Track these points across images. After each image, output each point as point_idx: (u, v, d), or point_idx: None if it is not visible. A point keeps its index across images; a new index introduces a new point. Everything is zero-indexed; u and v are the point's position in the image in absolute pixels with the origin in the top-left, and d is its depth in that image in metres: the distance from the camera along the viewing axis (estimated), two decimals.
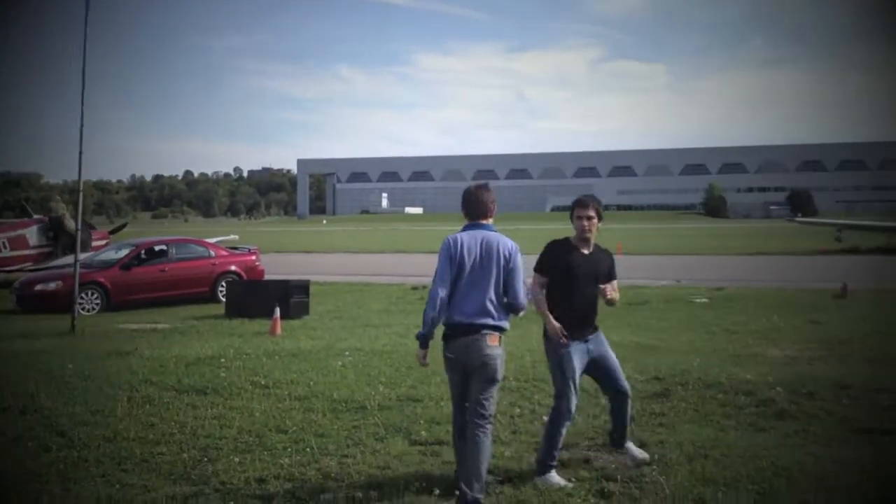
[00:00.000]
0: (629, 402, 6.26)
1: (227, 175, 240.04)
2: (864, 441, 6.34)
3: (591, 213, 5.96)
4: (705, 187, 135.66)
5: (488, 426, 5.46)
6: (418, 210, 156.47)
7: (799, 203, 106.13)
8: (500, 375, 5.56)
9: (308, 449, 6.45)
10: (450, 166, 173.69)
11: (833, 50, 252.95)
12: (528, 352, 10.43)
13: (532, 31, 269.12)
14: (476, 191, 5.73)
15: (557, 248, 6.06)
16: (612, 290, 6.16)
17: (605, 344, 6.20)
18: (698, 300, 16.83)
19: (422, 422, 7.17)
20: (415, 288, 20.24)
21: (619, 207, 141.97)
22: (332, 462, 6.14)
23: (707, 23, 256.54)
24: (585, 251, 6.02)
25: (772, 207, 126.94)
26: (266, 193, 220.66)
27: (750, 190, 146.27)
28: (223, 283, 19.19)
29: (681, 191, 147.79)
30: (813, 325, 13.47)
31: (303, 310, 16.00)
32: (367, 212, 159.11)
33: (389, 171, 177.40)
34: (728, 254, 33.95)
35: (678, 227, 63.09)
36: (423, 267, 29.16)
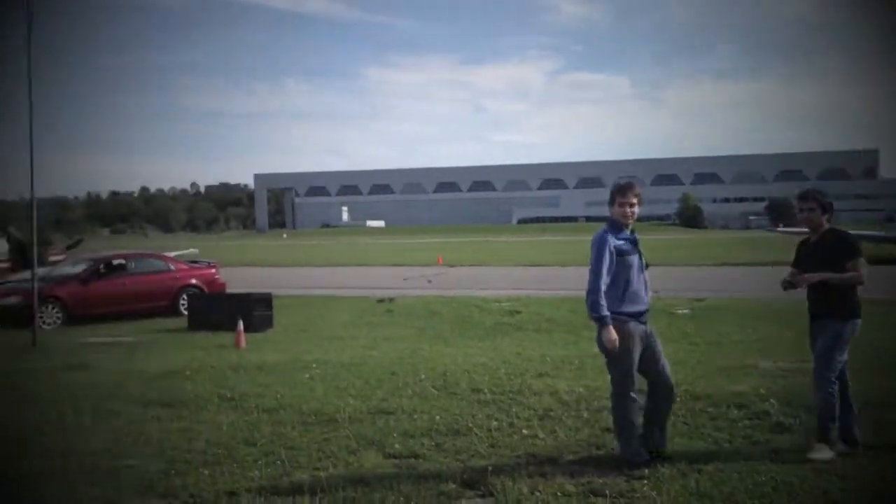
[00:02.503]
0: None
1: (183, 191, 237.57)
2: (869, 457, 6.09)
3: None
4: (678, 198, 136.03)
5: None
6: (380, 223, 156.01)
7: (779, 213, 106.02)
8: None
9: (279, 462, 6.31)
10: (410, 179, 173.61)
11: (806, 59, 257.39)
12: (502, 363, 10.35)
13: (485, 44, 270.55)
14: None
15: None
16: None
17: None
18: (679, 311, 16.62)
19: (395, 434, 7.04)
20: (381, 301, 20.08)
21: (589, 219, 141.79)
22: (304, 475, 6.00)
23: (669, 32, 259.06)
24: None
25: (751, 218, 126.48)
26: (224, 208, 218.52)
27: (727, 200, 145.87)
28: (184, 297, 18.95)
29: (653, 201, 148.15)
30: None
31: (266, 323, 15.79)
32: (327, 225, 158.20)
33: (349, 185, 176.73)
34: (708, 264, 33.53)
35: (655, 238, 63.31)
36: (387, 279, 29.32)
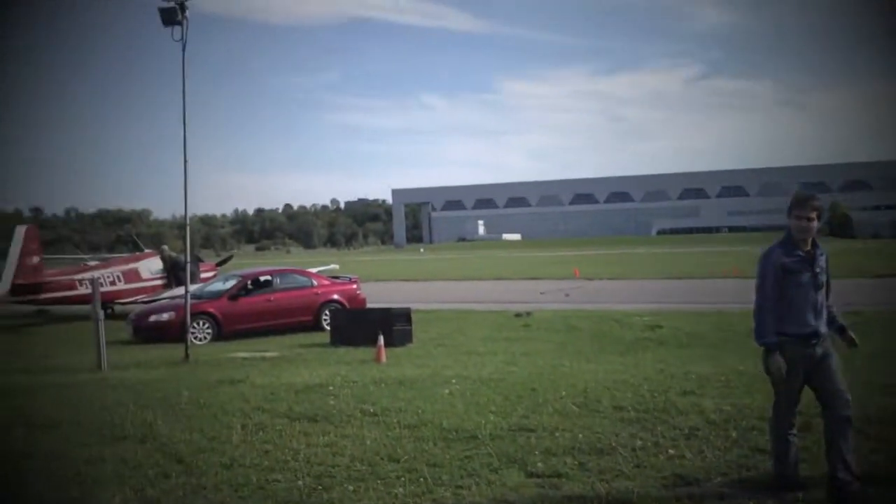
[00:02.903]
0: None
1: (324, 207, 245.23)
2: None
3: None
4: (827, 206, 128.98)
5: None
6: (516, 236, 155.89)
7: None
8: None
9: (421, 479, 6.30)
10: (546, 191, 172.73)
11: None
12: (645, 380, 10.07)
13: (620, 53, 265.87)
14: None
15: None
16: None
17: None
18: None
19: (537, 452, 6.91)
20: (518, 315, 20.00)
21: (732, 229, 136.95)
22: (447, 492, 5.97)
23: (820, 34, 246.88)
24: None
25: None
26: (363, 224, 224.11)
27: (877, 208, 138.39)
28: (327, 312, 19.43)
29: None
30: None
31: (406, 337, 16.01)
32: (463, 239, 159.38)
33: (484, 199, 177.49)
34: (867, 276, 30.75)
35: None
36: (523, 293, 29.22)
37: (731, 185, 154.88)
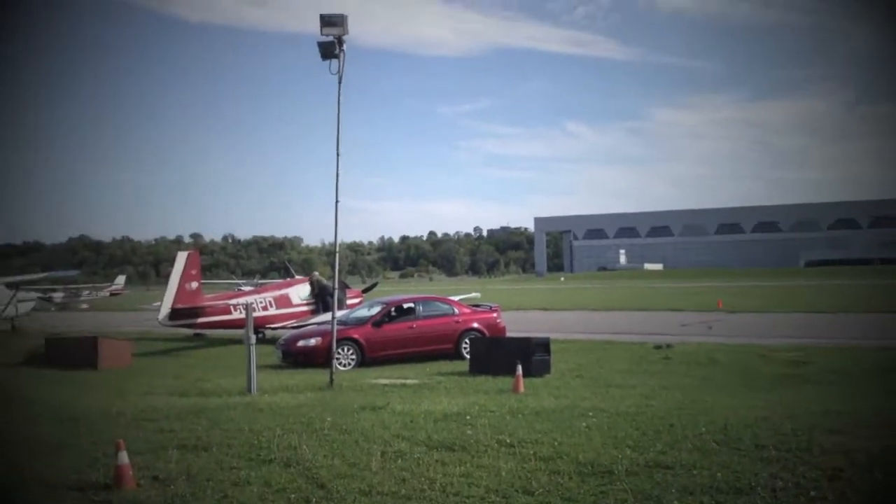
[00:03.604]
0: None
1: (467, 234, 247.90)
2: None
3: None
4: None
5: None
6: (658, 266, 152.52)
7: None
8: None
9: None
10: (690, 220, 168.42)
11: None
12: (788, 418, 9.74)
13: (771, 79, 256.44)
14: None
15: None
16: None
17: None
18: None
19: (673, 490, 6.84)
20: (658, 347, 19.64)
21: (884, 261, 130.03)
22: None
23: None
24: None
25: None
26: (504, 252, 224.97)
27: None
28: (467, 340, 19.65)
29: None
30: None
31: (544, 368, 16.02)
32: (604, 269, 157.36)
33: (626, 227, 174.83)
34: None
35: None
36: (664, 325, 28.63)
37: (884, 216, 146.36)
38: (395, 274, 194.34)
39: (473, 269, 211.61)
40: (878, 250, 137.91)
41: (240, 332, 19.78)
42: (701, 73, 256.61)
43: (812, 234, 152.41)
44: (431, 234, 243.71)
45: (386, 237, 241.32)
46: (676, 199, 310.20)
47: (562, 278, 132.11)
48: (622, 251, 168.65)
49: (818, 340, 20.81)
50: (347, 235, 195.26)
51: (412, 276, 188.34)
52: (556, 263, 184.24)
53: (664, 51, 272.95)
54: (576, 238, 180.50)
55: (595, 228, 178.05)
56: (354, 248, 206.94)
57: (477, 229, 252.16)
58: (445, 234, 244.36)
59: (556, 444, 8.74)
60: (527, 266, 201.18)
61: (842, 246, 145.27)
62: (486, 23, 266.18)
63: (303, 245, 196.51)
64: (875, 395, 11.28)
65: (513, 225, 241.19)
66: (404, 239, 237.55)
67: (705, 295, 51.71)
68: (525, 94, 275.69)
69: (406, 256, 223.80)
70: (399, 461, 8.19)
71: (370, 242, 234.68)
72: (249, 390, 13.96)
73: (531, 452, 8.40)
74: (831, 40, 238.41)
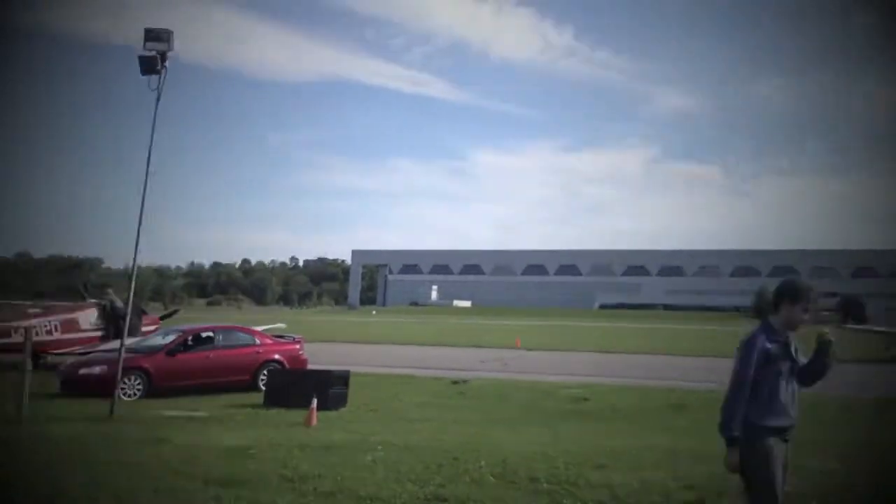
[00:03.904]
0: None
1: (283, 264, 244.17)
2: None
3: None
4: (756, 290, 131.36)
5: None
6: (467, 303, 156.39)
7: (850, 309, 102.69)
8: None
9: None
10: (500, 261, 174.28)
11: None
12: (563, 452, 10.19)
13: (587, 131, 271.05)
14: None
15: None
16: None
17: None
18: None
19: None
20: (455, 382, 20.06)
21: (667, 307, 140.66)
22: None
23: (764, 126, 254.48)
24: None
25: (823, 313, 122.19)
26: (319, 283, 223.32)
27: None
28: (265, 372, 19.26)
29: (730, 293, 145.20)
30: None
31: (340, 401, 15.97)
32: (416, 303, 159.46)
33: (441, 264, 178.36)
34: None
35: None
36: (465, 360, 29.39)
37: (670, 265, 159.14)
38: (203, 301, 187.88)
39: (285, 300, 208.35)
40: (664, 296, 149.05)
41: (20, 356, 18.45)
42: (522, 119, 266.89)
43: (608, 279, 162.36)
44: (245, 261, 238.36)
45: (196, 262, 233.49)
46: (492, 240, 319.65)
47: (373, 311, 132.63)
48: (434, 287, 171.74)
49: (602, 378, 22.01)
50: (155, 259, 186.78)
51: (220, 304, 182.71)
52: (370, 296, 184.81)
53: (492, 95, 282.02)
54: (391, 272, 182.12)
55: (410, 263, 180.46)
56: (161, 272, 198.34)
57: (293, 259, 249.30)
58: (260, 263, 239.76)
59: (338, 478, 8.67)
60: (340, 298, 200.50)
61: (633, 291, 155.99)
62: (322, 54, 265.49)
63: (104, 266, 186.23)
64: (646, 432, 12.02)
65: (331, 256, 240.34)
66: (216, 265, 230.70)
67: (507, 332, 53.45)
68: (357, 126, 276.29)
69: (216, 283, 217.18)
70: (171, 498, 7.87)
71: (178, 267, 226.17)
72: (19, 420, 12.99)
73: (311, 488, 8.28)
74: (640, 103, 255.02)
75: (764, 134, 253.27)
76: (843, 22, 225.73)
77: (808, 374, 5.45)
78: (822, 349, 5.38)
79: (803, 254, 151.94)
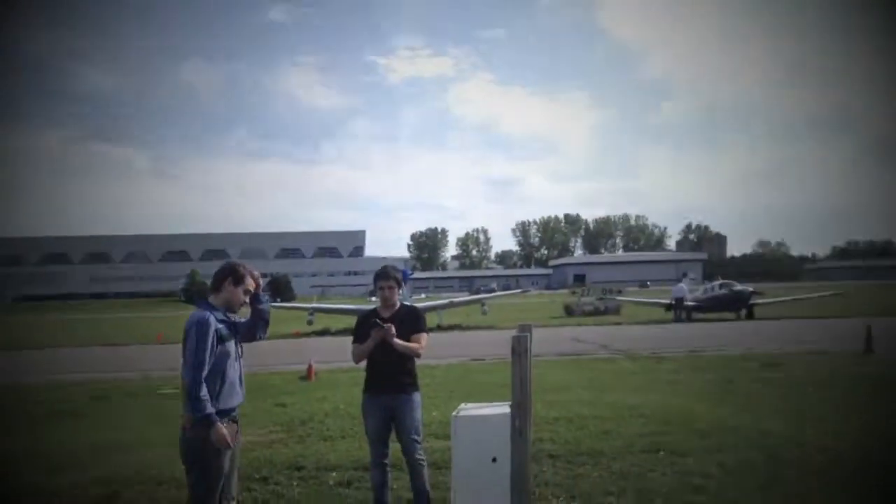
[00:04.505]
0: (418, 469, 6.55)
1: None
2: None
3: (392, 283, 6.65)
4: (187, 273, 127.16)
5: None
6: None
7: (278, 288, 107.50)
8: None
9: None
10: None
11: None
12: None
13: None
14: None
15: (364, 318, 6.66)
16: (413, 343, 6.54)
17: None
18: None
19: None
20: None
21: (94, 296, 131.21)
22: None
23: (190, 113, 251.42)
24: (387, 314, 6.67)
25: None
26: None
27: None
28: None
29: (161, 278, 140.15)
30: (279, 407, 13.15)
31: None
32: None
33: None
34: None
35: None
36: None
37: (96, 252, 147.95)
38: None
39: None
40: (90, 285, 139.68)
41: None
42: None
43: (22, 269, 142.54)
44: None
45: None
46: None
47: None
48: None
49: None
50: None
51: None
52: None
53: None
54: None
55: None
56: None
57: None
58: None
59: None
60: None
61: (52, 280, 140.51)
62: None
63: None
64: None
65: None
66: None
67: None
68: None
69: None
70: None
71: None
72: None
73: None
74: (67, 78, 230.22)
75: (191, 121, 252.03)
76: None
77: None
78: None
79: (234, 237, 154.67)
